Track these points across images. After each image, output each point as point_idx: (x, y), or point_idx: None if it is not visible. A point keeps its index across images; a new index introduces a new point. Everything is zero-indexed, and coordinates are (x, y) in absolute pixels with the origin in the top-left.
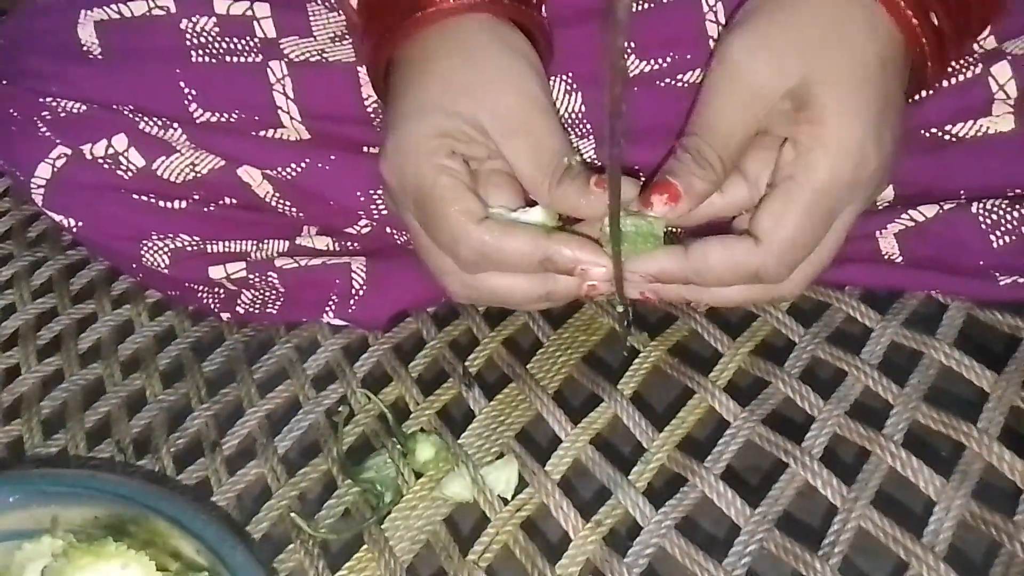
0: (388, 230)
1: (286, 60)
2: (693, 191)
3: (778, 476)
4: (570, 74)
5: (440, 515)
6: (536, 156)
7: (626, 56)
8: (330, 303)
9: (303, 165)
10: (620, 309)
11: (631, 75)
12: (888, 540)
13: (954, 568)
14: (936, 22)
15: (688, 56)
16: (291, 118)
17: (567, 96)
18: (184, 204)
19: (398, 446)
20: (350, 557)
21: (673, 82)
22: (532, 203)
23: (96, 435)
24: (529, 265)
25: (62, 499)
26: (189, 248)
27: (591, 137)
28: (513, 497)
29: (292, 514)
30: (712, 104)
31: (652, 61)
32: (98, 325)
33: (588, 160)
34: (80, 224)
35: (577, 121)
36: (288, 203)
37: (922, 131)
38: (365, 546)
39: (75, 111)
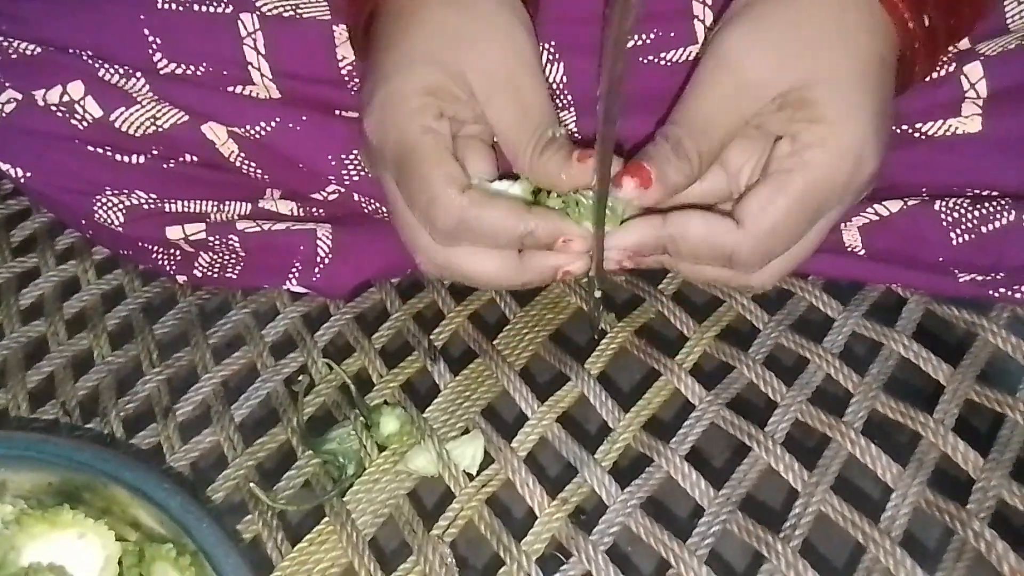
0: (356, 197)
1: (258, 13)
2: (666, 181)
3: (741, 459)
4: (552, 43)
5: (404, 489)
6: (521, 120)
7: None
8: (293, 270)
9: (273, 124)
10: (598, 294)
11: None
12: (847, 524)
13: (909, 553)
14: (928, 23)
15: (672, 33)
16: (261, 75)
17: (549, 65)
18: (142, 159)
19: (361, 418)
20: (310, 529)
21: (656, 59)
22: (505, 177)
23: (39, 396)
24: (508, 238)
25: (11, 463)
26: (146, 206)
27: (572, 109)
28: (478, 473)
29: (251, 484)
30: (699, 96)
31: (635, 36)
32: (41, 281)
33: (570, 132)
34: (28, 175)
35: (558, 91)
36: (254, 164)
37: (894, 127)
38: (326, 519)
39: (28, 52)
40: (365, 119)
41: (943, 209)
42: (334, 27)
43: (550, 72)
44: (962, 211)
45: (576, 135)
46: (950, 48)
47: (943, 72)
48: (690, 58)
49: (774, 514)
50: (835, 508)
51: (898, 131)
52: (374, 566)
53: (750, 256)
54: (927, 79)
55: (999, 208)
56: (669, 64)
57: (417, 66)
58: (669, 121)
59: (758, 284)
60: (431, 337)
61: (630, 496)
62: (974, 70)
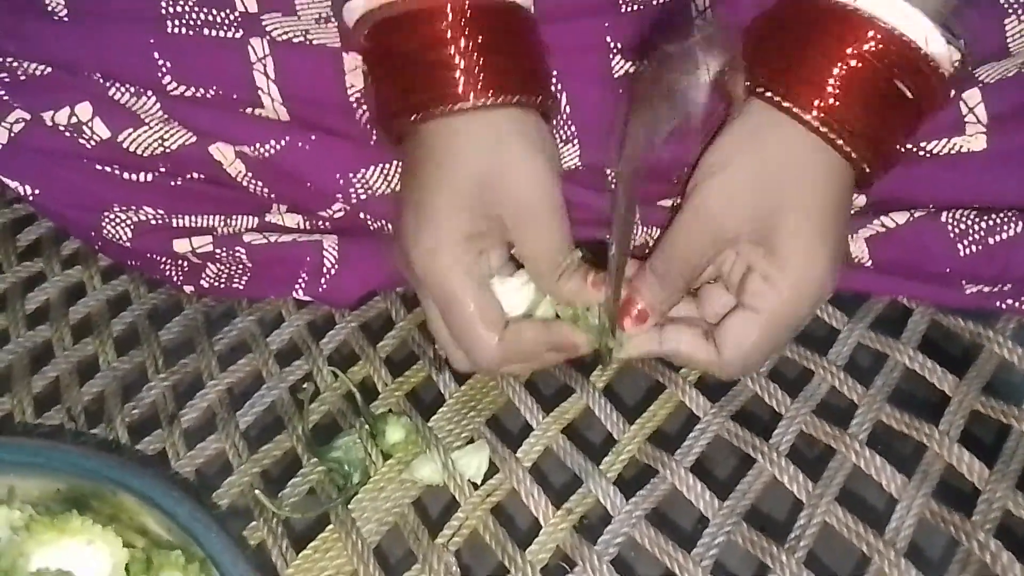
0: (362, 215)
1: (268, 38)
2: (656, 311)
3: (746, 471)
4: (555, 72)
5: (409, 498)
6: (545, 252)
7: (612, 56)
8: (300, 280)
9: (282, 143)
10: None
11: (615, 76)
12: (851, 535)
13: (914, 564)
14: (883, 148)
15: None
16: (271, 99)
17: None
18: (149, 176)
19: (366, 426)
20: (315, 537)
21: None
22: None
23: (44, 402)
24: (536, 357)
25: (19, 470)
26: (153, 221)
27: (575, 142)
28: (483, 482)
29: (256, 491)
30: (682, 241)
31: (640, 64)
32: (47, 286)
33: (575, 167)
34: (36, 192)
35: (561, 123)
36: (260, 183)
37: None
38: (331, 526)
39: (36, 73)
40: (412, 249)
41: (950, 220)
42: (344, 54)
43: None
44: (969, 222)
45: (580, 167)
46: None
47: None
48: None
49: (779, 525)
50: (840, 519)
51: (903, 149)
52: (379, 574)
53: (731, 372)
54: None
55: (1006, 219)
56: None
57: (463, 213)
58: (655, 255)
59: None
60: (436, 347)
61: (635, 507)
62: (972, 95)
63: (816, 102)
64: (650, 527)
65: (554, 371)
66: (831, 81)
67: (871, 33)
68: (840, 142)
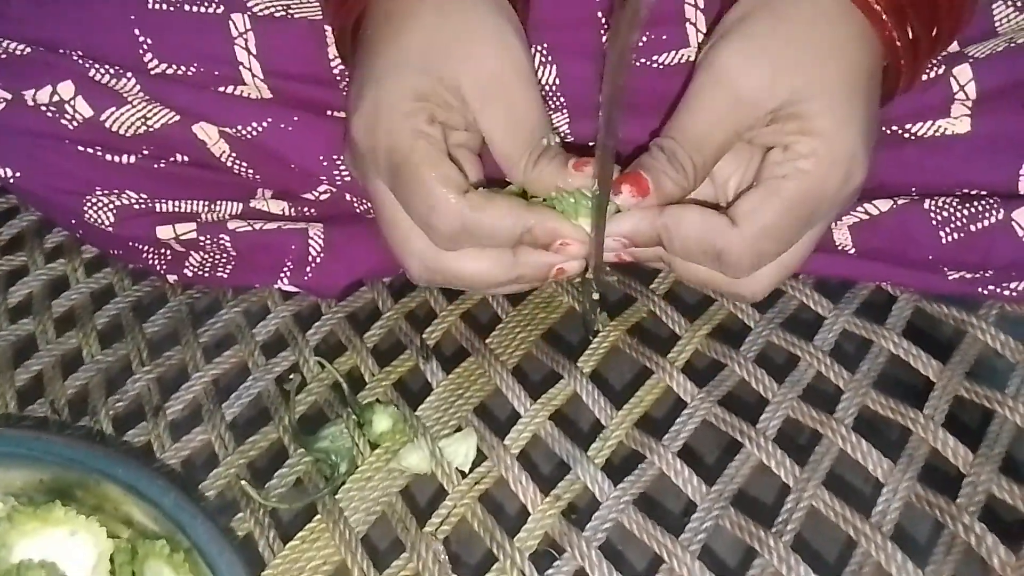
0: (348, 197)
1: (249, 13)
2: (662, 190)
3: (733, 456)
4: (544, 45)
5: (396, 487)
6: (515, 131)
7: (602, 31)
8: (285, 269)
9: (265, 124)
10: (595, 296)
11: (605, 51)
12: (838, 519)
13: (900, 547)
14: (912, 35)
15: (664, 37)
16: (253, 75)
17: (541, 68)
18: (132, 159)
19: (353, 416)
20: (302, 527)
21: (648, 62)
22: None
23: (27, 395)
24: (508, 238)
25: (2, 460)
26: (136, 206)
27: (565, 111)
28: (471, 470)
29: (242, 482)
30: (694, 110)
31: None
32: (29, 279)
33: (563, 135)
34: (17, 174)
35: (551, 94)
36: (245, 164)
37: (883, 127)
38: (318, 516)
39: (17, 52)
40: (353, 122)
41: (932, 208)
42: (326, 27)
43: (543, 75)
44: (951, 210)
45: (569, 137)
46: (931, 60)
47: (933, 74)
48: (682, 61)
49: (766, 510)
50: (826, 503)
51: (887, 132)
52: (367, 563)
53: (740, 256)
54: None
55: (987, 207)
56: (661, 67)
57: (410, 71)
58: (664, 132)
59: (748, 293)
60: (423, 336)
61: (623, 493)
62: (963, 72)
63: None
64: (638, 512)
65: (541, 356)
66: None
67: None
68: (877, 7)
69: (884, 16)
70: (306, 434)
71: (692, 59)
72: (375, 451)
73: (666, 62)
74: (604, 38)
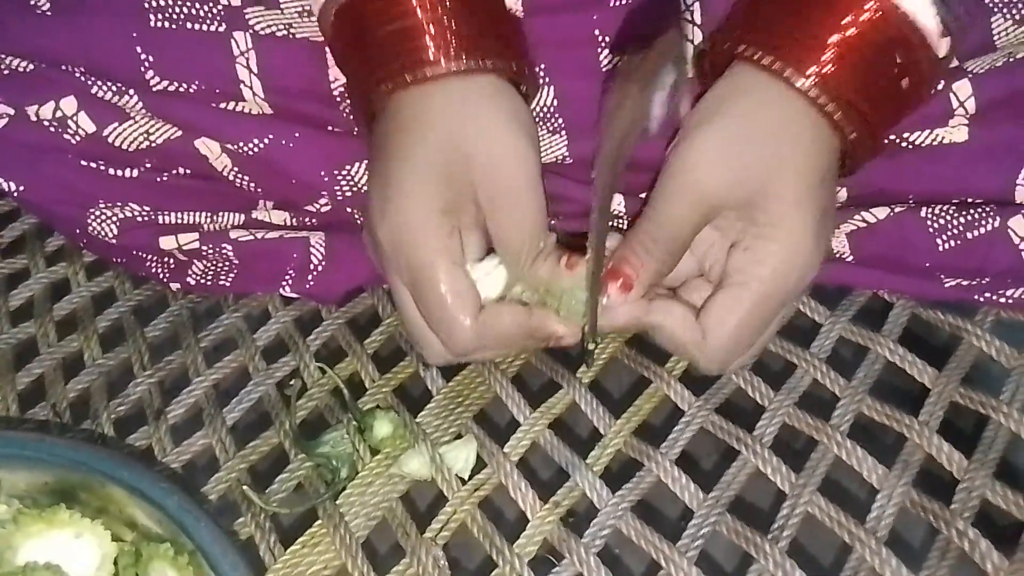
0: (348, 210)
1: (251, 32)
2: (643, 282)
3: (730, 462)
4: (542, 66)
5: (397, 492)
6: (519, 234)
7: (600, 49)
8: (287, 277)
9: (266, 141)
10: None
11: (604, 69)
12: (833, 524)
13: (895, 552)
14: (868, 124)
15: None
16: (253, 93)
17: (539, 89)
18: (135, 172)
19: (354, 422)
20: (303, 532)
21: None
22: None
23: (29, 398)
24: (514, 344)
25: (6, 462)
26: (139, 218)
27: (563, 132)
28: (471, 476)
29: (244, 487)
30: (666, 207)
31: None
32: (31, 282)
33: (562, 157)
34: (21, 188)
35: (548, 115)
36: (247, 177)
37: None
38: (319, 521)
39: (20, 68)
40: (379, 225)
41: (929, 216)
42: (327, 48)
43: (541, 96)
44: (948, 217)
45: (568, 160)
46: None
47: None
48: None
49: (762, 516)
50: (822, 509)
51: (885, 140)
52: (367, 568)
53: (710, 361)
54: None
55: (984, 215)
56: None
57: (434, 184)
58: (639, 226)
59: (715, 370)
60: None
61: (621, 499)
62: (963, 88)
63: (812, 68)
64: (636, 519)
65: (540, 366)
66: (828, 48)
67: (870, 4)
68: (830, 109)
69: (844, 125)
70: (307, 439)
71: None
72: (375, 457)
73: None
74: (603, 61)
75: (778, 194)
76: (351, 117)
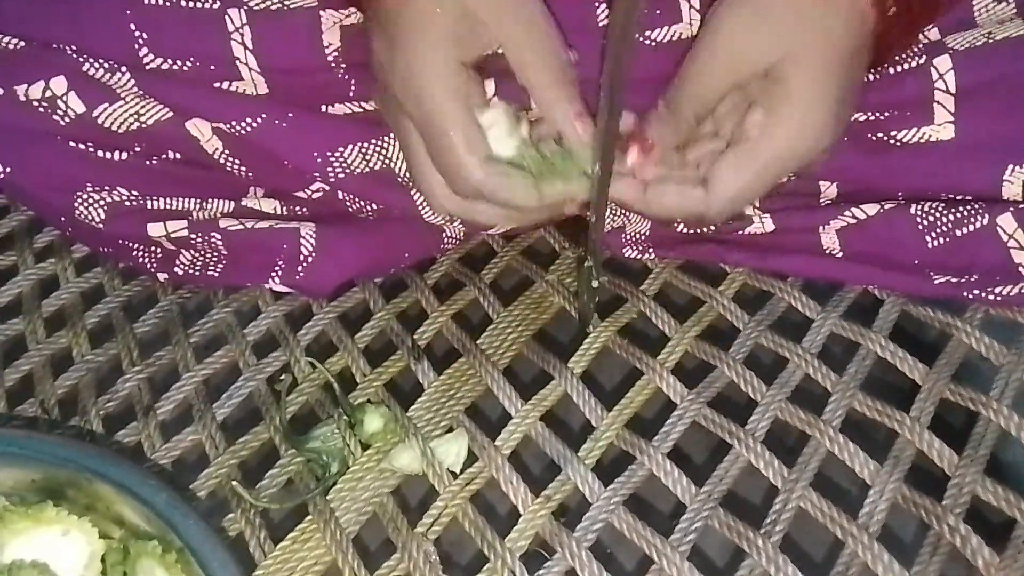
0: (341, 195)
1: (245, 8)
2: (665, 142)
3: (722, 457)
4: None
5: (388, 487)
6: (540, 57)
7: (596, 4)
8: (276, 268)
9: (259, 120)
10: (595, 284)
11: (600, 25)
12: (825, 520)
13: (886, 547)
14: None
15: (658, 11)
16: (249, 69)
17: None
18: (124, 155)
19: (345, 416)
20: (293, 528)
21: (640, 38)
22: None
23: (16, 396)
24: (517, 199)
25: None
26: (127, 203)
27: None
28: (462, 471)
29: (234, 483)
30: (699, 66)
31: None
32: (19, 279)
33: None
34: (7, 171)
35: None
36: (238, 161)
37: (869, 135)
38: (310, 516)
39: (9, 47)
40: (390, 66)
41: (919, 213)
42: (321, 12)
43: None
44: (937, 215)
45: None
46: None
47: (914, 63)
48: (674, 39)
49: (755, 510)
50: (814, 504)
51: (873, 139)
52: (358, 564)
53: (716, 216)
54: (897, 69)
55: (973, 212)
56: (654, 44)
57: (441, 22)
58: (669, 90)
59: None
60: (415, 336)
61: (613, 493)
62: (943, 63)
63: None
64: (628, 513)
65: (532, 357)
66: None
67: None
68: None
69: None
70: (297, 434)
71: (684, 36)
72: (366, 451)
73: (658, 39)
74: (604, 12)
75: (808, 61)
76: (346, 77)
